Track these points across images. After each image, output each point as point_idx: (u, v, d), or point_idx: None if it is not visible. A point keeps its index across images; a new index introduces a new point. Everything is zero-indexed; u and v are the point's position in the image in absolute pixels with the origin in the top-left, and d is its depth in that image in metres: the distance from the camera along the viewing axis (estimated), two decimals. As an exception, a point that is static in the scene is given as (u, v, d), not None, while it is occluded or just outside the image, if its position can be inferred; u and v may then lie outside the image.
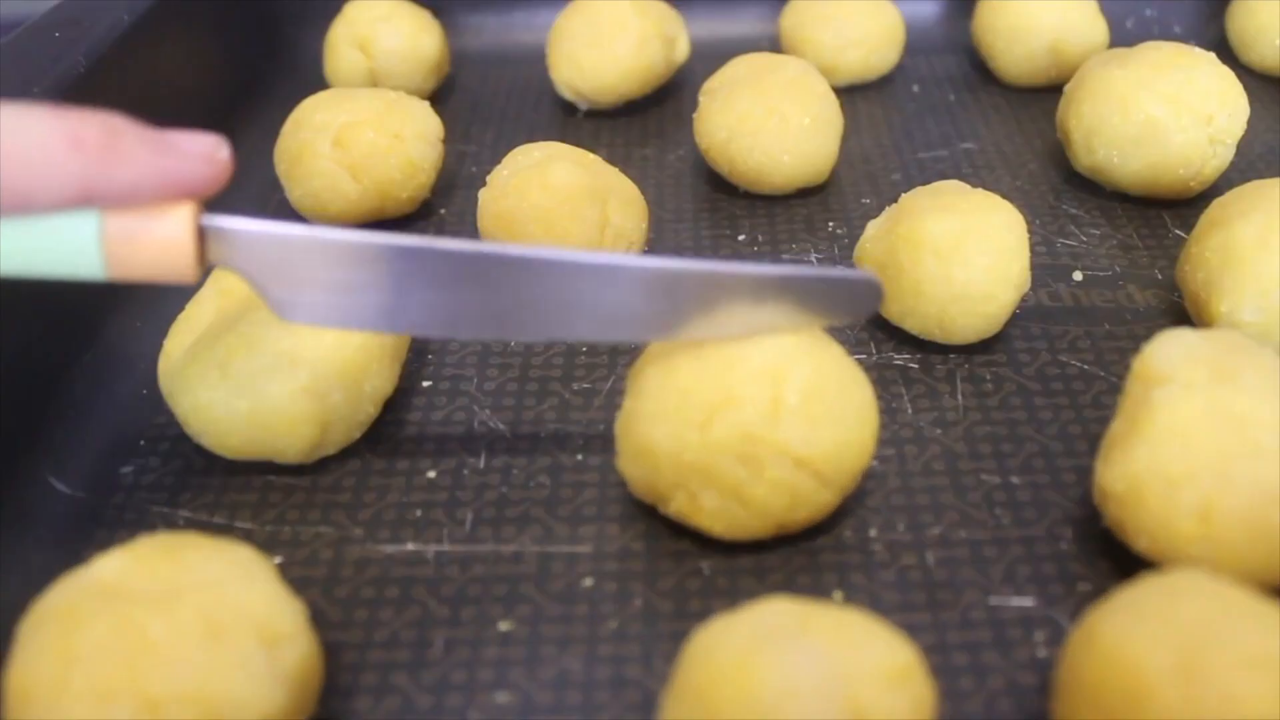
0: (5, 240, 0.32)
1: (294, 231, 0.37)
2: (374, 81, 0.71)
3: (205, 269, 0.36)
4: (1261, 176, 0.56)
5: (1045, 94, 0.71)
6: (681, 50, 0.73)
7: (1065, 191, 0.63)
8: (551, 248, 0.39)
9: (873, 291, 0.40)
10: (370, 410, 0.46)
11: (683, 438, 0.39)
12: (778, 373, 0.39)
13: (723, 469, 0.39)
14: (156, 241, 0.34)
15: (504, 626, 0.40)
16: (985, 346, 0.51)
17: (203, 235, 0.35)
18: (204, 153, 0.34)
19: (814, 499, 0.40)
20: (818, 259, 0.58)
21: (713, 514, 0.40)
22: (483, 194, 0.54)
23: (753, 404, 0.39)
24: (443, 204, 0.64)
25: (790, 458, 0.39)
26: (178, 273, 0.35)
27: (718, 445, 0.39)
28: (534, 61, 0.75)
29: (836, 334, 0.53)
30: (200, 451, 0.46)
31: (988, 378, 0.50)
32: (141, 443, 0.48)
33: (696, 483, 0.39)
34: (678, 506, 0.41)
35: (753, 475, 0.39)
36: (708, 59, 0.72)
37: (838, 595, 0.40)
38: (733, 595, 0.40)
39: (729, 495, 0.39)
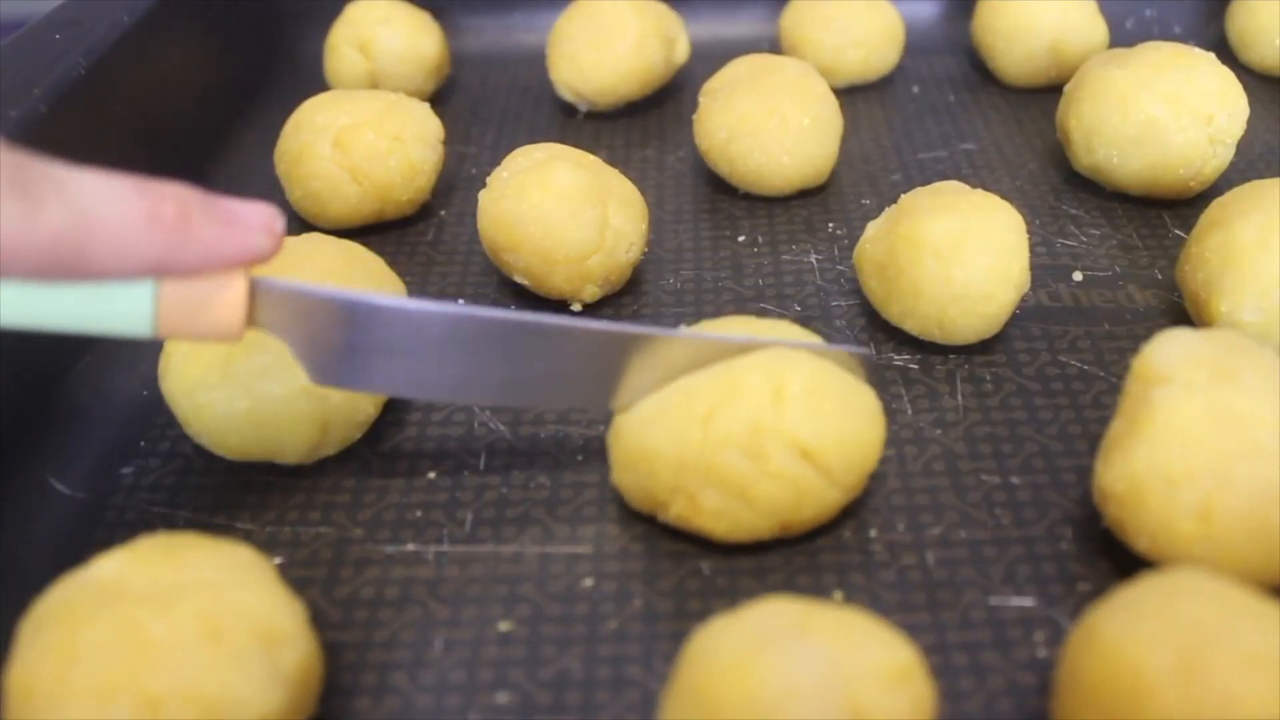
0: (62, 302, 0.33)
1: (340, 295, 0.38)
2: (374, 83, 0.71)
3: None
4: (1261, 176, 0.56)
5: (1045, 94, 0.71)
6: (681, 51, 0.73)
7: (1065, 191, 0.63)
8: (584, 319, 0.42)
9: (866, 365, 0.43)
10: (370, 410, 0.46)
11: (683, 436, 0.39)
12: (779, 370, 0.40)
13: (726, 465, 0.39)
14: (210, 308, 0.35)
15: (504, 626, 0.40)
16: (985, 346, 0.51)
17: (252, 298, 0.36)
18: (264, 224, 0.35)
19: (819, 496, 0.40)
20: (817, 260, 0.58)
21: (714, 514, 0.40)
22: (483, 195, 0.54)
23: (756, 395, 0.39)
24: (443, 205, 0.64)
25: (797, 448, 0.39)
26: (224, 335, 0.36)
27: (721, 440, 0.39)
28: (534, 62, 0.75)
29: (836, 333, 0.53)
30: (200, 452, 0.46)
31: (988, 378, 0.50)
32: (141, 443, 0.48)
33: (697, 483, 0.39)
34: (677, 511, 0.40)
35: (757, 469, 0.39)
36: (708, 59, 0.72)
37: (838, 595, 0.40)
38: (733, 595, 0.40)
39: (732, 493, 0.39)
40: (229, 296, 0.35)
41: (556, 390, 0.42)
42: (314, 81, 0.73)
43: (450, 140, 0.65)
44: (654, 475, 0.40)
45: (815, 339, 0.43)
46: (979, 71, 0.76)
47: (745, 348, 0.41)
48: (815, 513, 0.40)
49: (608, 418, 0.48)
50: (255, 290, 0.37)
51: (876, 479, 0.45)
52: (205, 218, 0.34)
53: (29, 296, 0.33)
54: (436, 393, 0.42)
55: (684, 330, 0.42)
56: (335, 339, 0.39)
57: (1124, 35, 0.76)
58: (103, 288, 0.33)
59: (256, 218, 0.35)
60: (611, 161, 0.57)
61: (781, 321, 0.44)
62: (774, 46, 0.77)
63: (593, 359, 0.41)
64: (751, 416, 0.39)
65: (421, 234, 0.62)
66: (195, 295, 0.35)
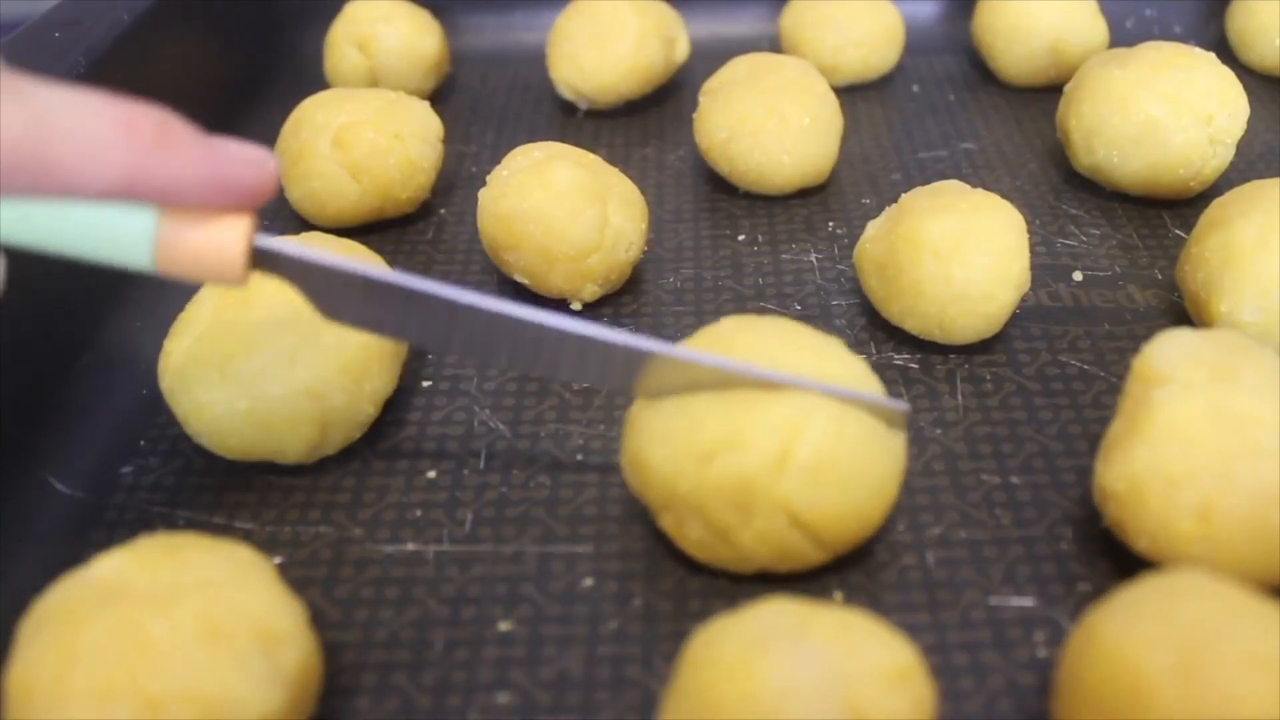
0: (61, 219, 0.32)
1: (341, 264, 0.37)
2: (374, 81, 0.71)
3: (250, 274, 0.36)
4: (1261, 176, 0.56)
5: (1045, 94, 0.71)
6: (681, 50, 0.73)
7: (1065, 191, 0.63)
8: (565, 317, 0.39)
9: (898, 419, 0.40)
10: (370, 410, 0.46)
11: (680, 467, 0.38)
12: (795, 425, 0.37)
13: (714, 509, 0.38)
14: (210, 244, 0.34)
15: (504, 626, 0.40)
16: (985, 346, 0.51)
17: (258, 248, 0.36)
18: (253, 159, 0.34)
19: (803, 557, 0.39)
20: (817, 259, 0.58)
21: (696, 544, 0.39)
22: (483, 194, 0.54)
23: (760, 451, 0.37)
24: (442, 204, 0.64)
25: (787, 515, 0.37)
26: (225, 276, 0.35)
27: (713, 485, 0.37)
28: (534, 61, 0.75)
29: (836, 333, 0.53)
30: (200, 451, 0.46)
31: (988, 378, 0.50)
32: (141, 443, 0.48)
33: (685, 511, 0.39)
34: (665, 524, 0.40)
35: (742, 522, 0.38)
36: (708, 59, 0.72)
37: (838, 595, 0.40)
38: (733, 595, 0.40)
39: (715, 534, 0.38)
40: (231, 234, 0.34)
41: (575, 372, 0.41)
42: (314, 80, 0.73)
43: (450, 139, 0.65)
44: (649, 486, 0.40)
45: (863, 370, 0.40)
46: (979, 71, 0.76)
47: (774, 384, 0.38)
48: (795, 567, 0.39)
49: (608, 417, 0.48)
50: (261, 249, 0.36)
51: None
52: (187, 140, 0.32)
53: (29, 212, 0.32)
54: (446, 351, 0.40)
55: (716, 358, 0.39)
56: (346, 300, 0.38)
57: (1124, 35, 0.76)
58: (103, 211, 0.32)
59: (245, 152, 0.33)
60: (611, 160, 0.57)
61: (835, 342, 0.41)
62: (774, 46, 0.77)
63: (612, 365, 0.39)
64: (748, 475, 0.37)
65: (421, 233, 0.62)
66: (196, 229, 0.34)
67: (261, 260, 0.36)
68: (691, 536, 0.39)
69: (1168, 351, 0.40)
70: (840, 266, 0.57)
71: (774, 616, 0.32)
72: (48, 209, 0.32)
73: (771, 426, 0.37)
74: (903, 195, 0.52)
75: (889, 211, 0.52)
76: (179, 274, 0.34)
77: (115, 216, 0.33)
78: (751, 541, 0.38)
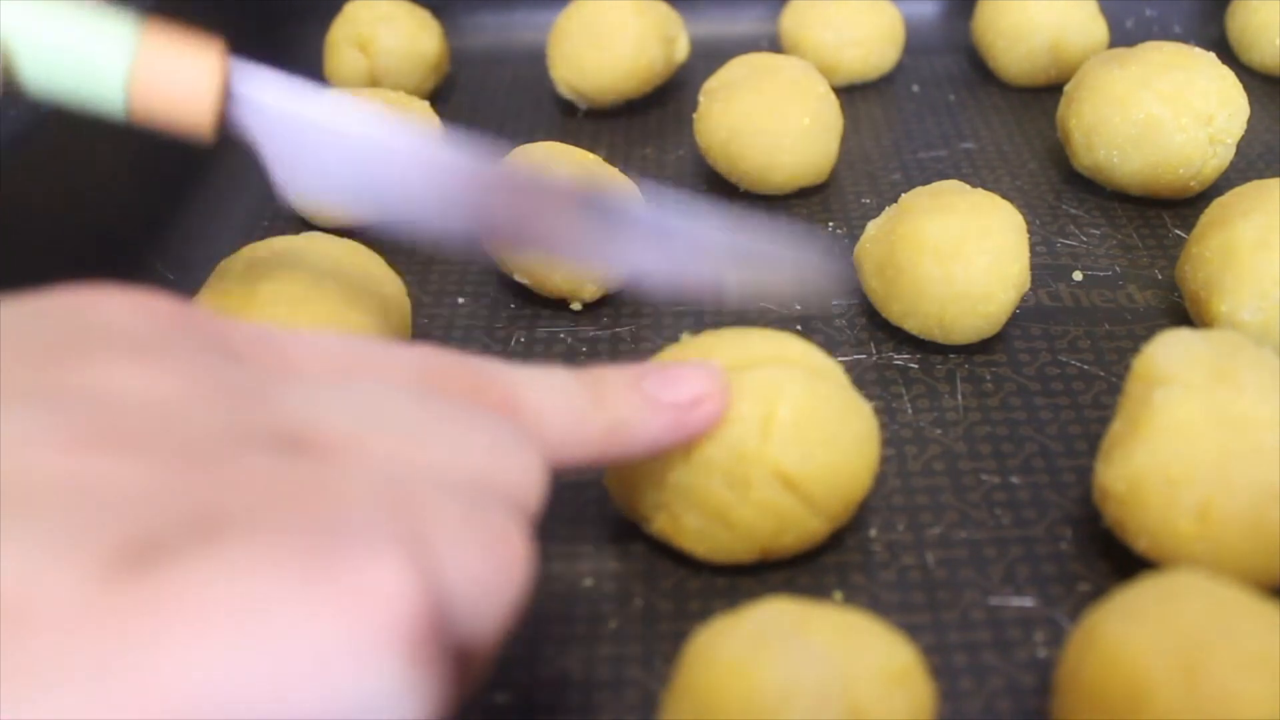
0: (38, 55, 0.33)
1: (317, 117, 0.37)
2: (374, 81, 0.71)
3: (221, 130, 0.36)
4: (1261, 176, 0.56)
5: (1045, 94, 0.71)
6: (681, 50, 0.73)
7: (1065, 191, 0.63)
8: (542, 170, 0.39)
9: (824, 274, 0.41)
10: (370, 410, 0.46)
11: (668, 455, 0.38)
12: (772, 391, 0.38)
13: (708, 489, 0.38)
14: (179, 95, 0.34)
15: (504, 626, 0.40)
16: (985, 346, 0.51)
17: (231, 98, 0.36)
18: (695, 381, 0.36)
19: (802, 525, 0.39)
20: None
21: (695, 536, 0.39)
22: (483, 194, 0.54)
23: (744, 421, 0.38)
24: (443, 204, 0.64)
25: (779, 478, 0.38)
26: (193, 129, 0.35)
27: (705, 464, 0.38)
28: (534, 61, 0.75)
29: (836, 333, 0.53)
30: (200, 451, 0.46)
31: (988, 378, 0.50)
32: (141, 442, 0.48)
33: (679, 504, 0.39)
34: (660, 526, 0.40)
35: (739, 497, 0.38)
36: (708, 59, 0.72)
37: (838, 595, 0.40)
38: (733, 595, 0.40)
39: (713, 517, 0.38)
40: (199, 86, 0.34)
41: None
42: (314, 80, 0.73)
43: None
44: (640, 488, 0.40)
45: (811, 348, 0.41)
46: (979, 71, 0.76)
47: (743, 362, 0.39)
48: (797, 540, 0.39)
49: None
50: (235, 93, 0.36)
51: (877, 479, 0.44)
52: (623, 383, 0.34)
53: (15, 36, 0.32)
54: (424, 232, 0.39)
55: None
56: (319, 162, 0.37)
57: (1124, 35, 0.76)
58: (75, 48, 0.33)
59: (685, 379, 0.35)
60: (611, 160, 0.57)
61: (782, 333, 0.42)
62: (774, 45, 0.77)
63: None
64: (736, 444, 0.37)
65: (421, 233, 0.62)
66: (168, 79, 0.34)
67: (235, 111, 0.36)
68: (690, 529, 0.39)
69: (1168, 351, 0.40)
70: (840, 266, 0.57)
71: (774, 616, 0.32)
72: (21, 42, 0.32)
73: (750, 397, 0.38)
74: (903, 195, 0.52)
75: (889, 211, 0.52)
76: (149, 121, 0.34)
77: (88, 52, 0.33)
78: (750, 516, 0.38)
